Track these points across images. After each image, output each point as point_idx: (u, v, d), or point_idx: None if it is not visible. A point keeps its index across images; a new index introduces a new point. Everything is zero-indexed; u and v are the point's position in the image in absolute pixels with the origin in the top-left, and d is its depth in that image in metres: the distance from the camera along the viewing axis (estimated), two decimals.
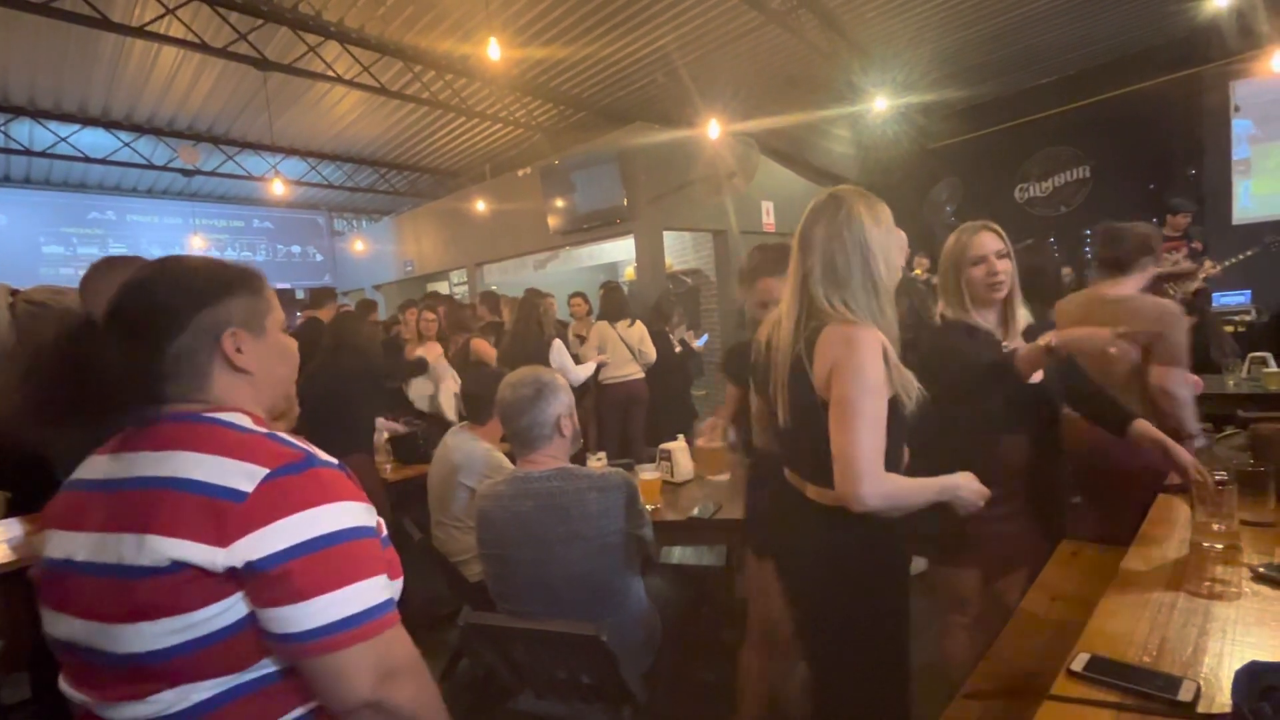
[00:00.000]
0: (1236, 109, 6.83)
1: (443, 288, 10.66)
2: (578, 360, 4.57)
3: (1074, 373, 1.83)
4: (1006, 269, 1.75)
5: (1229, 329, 5.46)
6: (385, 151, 9.33)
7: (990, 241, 1.77)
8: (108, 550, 0.75)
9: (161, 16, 4.98)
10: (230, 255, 11.93)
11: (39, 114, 7.08)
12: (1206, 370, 3.65)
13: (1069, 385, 1.82)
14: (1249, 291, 6.20)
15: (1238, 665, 0.90)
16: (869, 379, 1.18)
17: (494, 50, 4.49)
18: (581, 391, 4.27)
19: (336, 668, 0.76)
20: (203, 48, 5.37)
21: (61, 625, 0.79)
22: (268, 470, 0.76)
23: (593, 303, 5.99)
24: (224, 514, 0.73)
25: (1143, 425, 1.73)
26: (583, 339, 5.27)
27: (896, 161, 8.87)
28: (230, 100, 7.19)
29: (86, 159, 8.02)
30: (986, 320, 1.79)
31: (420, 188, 10.69)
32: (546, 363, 3.90)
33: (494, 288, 8.61)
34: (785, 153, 8.14)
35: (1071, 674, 1.01)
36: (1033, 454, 1.73)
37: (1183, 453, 1.63)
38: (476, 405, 2.49)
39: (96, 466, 0.84)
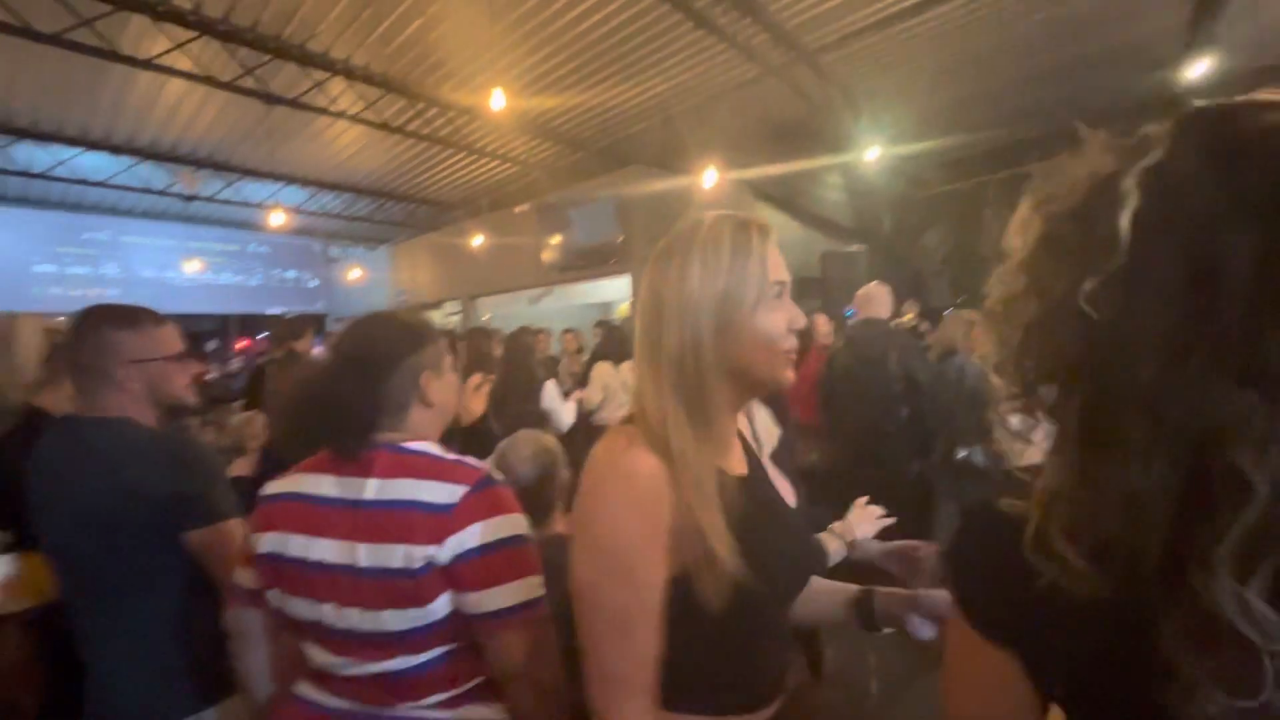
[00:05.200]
0: None
1: (435, 318, 10.69)
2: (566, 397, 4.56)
3: None
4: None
5: None
6: (384, 182, 9.42)
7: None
8: (377, 556, 0.97)
9: (170, 50, 5.06)
10: (225, 278, 11.93)
11: (41, 137, 7.12)
12: None
13: None
14: None
15: None
16: (607, 551, 0.76)
17: (498, 100, 4.60)
18: (571, 431, 4.26)
19: (504, 644, 0.98)
20: (210, 82, 5.45)
21: (308, 608, 1.02)
22: (467, 487, 0.99)
23: (585, 340, 6.03)
24: (442, 522, 0.96)
25: None
26: (574, 375, 5.28)
27: (888, 208, 9.06)
28: (233, 129, 7.27)
29: (84, 182, 8.05)
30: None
31: (418, 219, 10.78)
32: (537, 404, 3.89)
33: (486, 318, 8.65)
34: (779, 198, 8.29)
35: None
36: None
37: None
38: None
39: (319, 484, 1.04)
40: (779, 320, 0.83)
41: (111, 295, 10.52)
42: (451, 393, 1.17)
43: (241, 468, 2.21)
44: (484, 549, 0.96)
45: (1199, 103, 0.47)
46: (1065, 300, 0.45)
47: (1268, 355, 0.38)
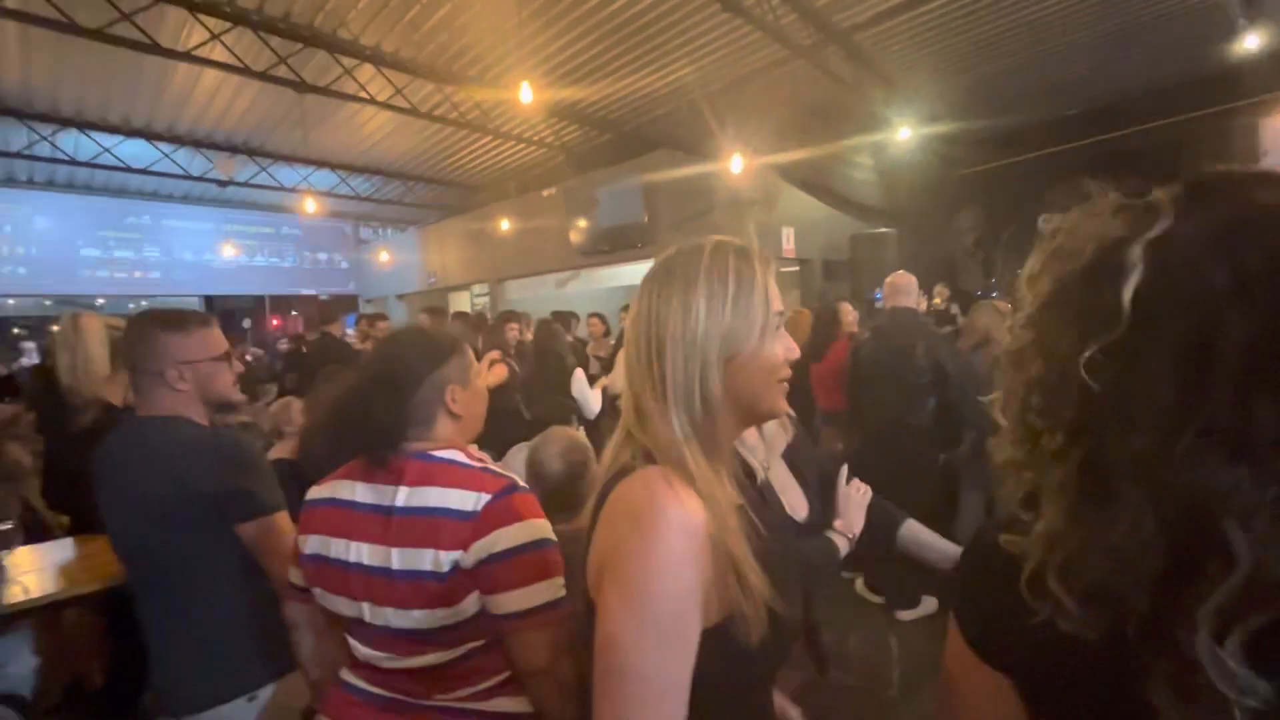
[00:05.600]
0: (1265, 152, 6.76)
1: (463, 300, 10.82)
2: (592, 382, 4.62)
3: None
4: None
5: None
6: (413, 166, 9.53)
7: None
8: (409, 559, 1.03)
9: (207, 41, 5.17)
10: (259, 260, 12.23)
11: (85, 125, 7.34)
12: None
13: None
14: None
15: None
16: (659, 608, 0.70)
17: (526, 94, 4.62)
18: (599, 416, 4.33)
19: (527, 642, 1.03)
20: (245, 71, 5.56)
21: (347, 605, 1.09)
22: (490, 495, 1.04)
23: (611, 324, 6.07)
24: (467, 528, 1.02)
25: None
26: (600, 359, 5.33)
27: (919, 189, 8.87)
28: (266, 116, 7.42)
29: (128, 169, 8.29)
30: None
31: (446, 201, 10.88)
32: (567, 391, 3.95)
33: (512, 302, 8.74)
34: (807, 180, 8.18)
35: None
36: None
37: None
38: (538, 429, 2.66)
39: (353, 490, 1.11)
40: (779, 352, 0.83)
41: (153, 277, 10.90)
42: (479, 401, 1.22)
43: (282, 450, 2.31)
44: (507, 553, 1.02)
45: (1209, 171, 0.48)
46: (1068, 362, 0.47)
47: (1257, 433, 0.40)
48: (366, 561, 1.06)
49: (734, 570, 0.73)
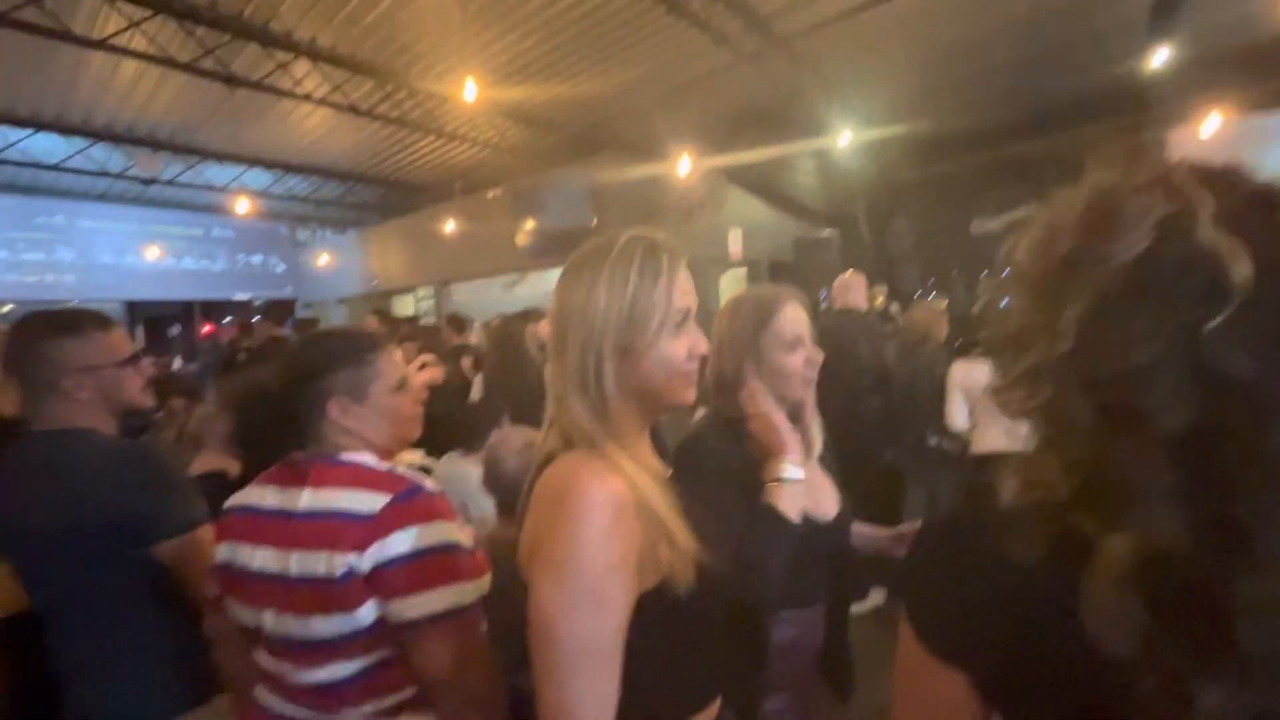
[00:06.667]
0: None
1: (408, 304, 10.55)
2: None
3: None
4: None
5: None
6: (353, 165, 9.23)
7: (804, 318, 1.34)
8: (305, 564, 0.98)
9: (125, 30, 4.87)
10: (188, 263, 11.60)
11: None
12: None
13: None
14: None
15: None
16: (584, 579, 0.73)
17: (470, 92, 4.53)
18: None
19: (428, 652, 0.98)
20: (168, 63, 5.27)
21: (250, 615, 1.05)
22: (388, 497, 1.00)
23: None
24: (363, 530, 0.97)
25: None
26: None
27: (859, 193, 9.15)
28: (194, 111, 7.04)
29: (37, 165, 7.74)
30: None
31: (388, 202, 10.59)
32: (536, 396, 3.79)
33: (459, 305, 8.57)
34: (753, 183, 8.32)
35: None
36: None
37: None
38: (470, 433, 2.58)
39: (265, 496, 1.07)
40: (679, 347, 0.84)
41: (68, 281, 10.19)
42: (379, 417, 1.12)
43: (208, 462, 2.18)
44: (406, 557, 0.97)
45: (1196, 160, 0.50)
46: (1167, 341, 0.45)
47: None
48: (268, 568, 1.02)
49: (663, 533, 0.77)
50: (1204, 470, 0.44)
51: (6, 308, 9.76)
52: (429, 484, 1.06)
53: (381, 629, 0.99)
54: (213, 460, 2.15)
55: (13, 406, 1.96)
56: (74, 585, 1.26)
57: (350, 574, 0.96)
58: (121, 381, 1.36)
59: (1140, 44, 6.09)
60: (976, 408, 3.19)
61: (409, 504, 1.00)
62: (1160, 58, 6.22)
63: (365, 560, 0.96)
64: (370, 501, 0.99)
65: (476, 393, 4.16)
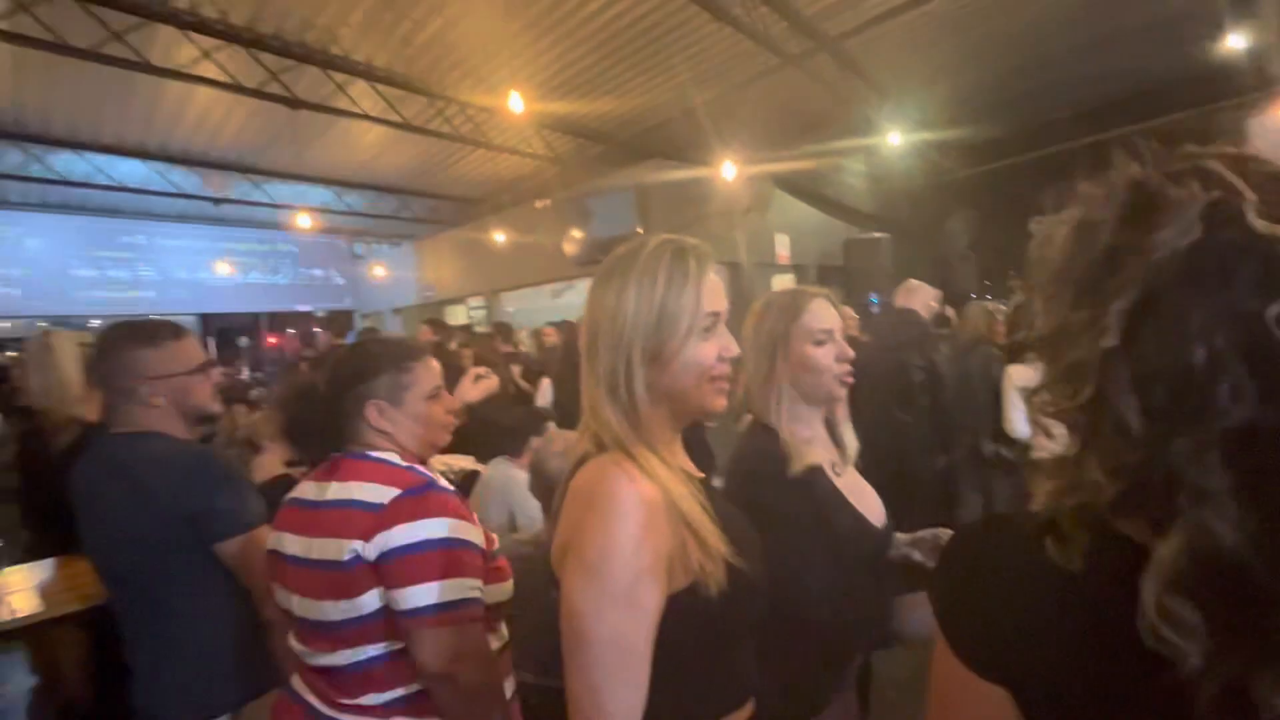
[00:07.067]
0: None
1: (460, 313, 10.81)
2: None
3: None
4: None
5: None
6: (407, 180, 9.54)
7: (833, 314, 1.30)
8: (322, 549, 1.06)
9: (198, 60, 5.18)
10: (254, 277, 12.20)
11: (78, 145, 7.34)
12: None
13: None
14: None
15: None
16: (616, 579, 0.73)
17: (516, 103, 4.63)
18: None
19: (425, 641, 1.02)
20: (237, 89, 5.57)
21: (285, 599, 1.13)
22: (399, 490, 1.06)
23: None
24: (372, 520, 1.03)
25: None
26: None
27: (911, 195, 8.92)
28: (259, 133, 7.42)
29: (122, 188, 8.28)
30: (812, 427, 1.31)
31: (441, 214, 10.89)
32: None
33: (510, 314, 8.73)
34: (800, 186, 8.21)
35: None
36: None
37: None
38: (515, 438, 2.66)
39: (308, 490, 1.17)
40: (709, 351, 0.84)
41: (149, 297, 10.87)
42: (414, 421, 1.19)
43: (271, 464, 2.27)
44: (409, 548, 1.02)
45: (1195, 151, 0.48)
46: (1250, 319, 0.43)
47: None
48: (296, 554, 1.11)
49: (693, 535, 0.78)
50: (1263, 469, 0.42)
51: (94, 322, 10.46)
52: (443, 481, 1.12)
53: (386, 619, 1.04)
54: (275, 464, 2.25)
55: (95, 412, 2.14)
56: (145, 577, 1.35)
57: (357, 559, 1.02)
58: (193, 388, 1.45)
59: (1213, 28, 5.77)
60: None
61: (418, 498, 1.06)
62: (1236, 41, 5.88)
63: (371, 548, 1.02)
64: (382, 493, 1.06)
65: (544, 398, 4.31)
